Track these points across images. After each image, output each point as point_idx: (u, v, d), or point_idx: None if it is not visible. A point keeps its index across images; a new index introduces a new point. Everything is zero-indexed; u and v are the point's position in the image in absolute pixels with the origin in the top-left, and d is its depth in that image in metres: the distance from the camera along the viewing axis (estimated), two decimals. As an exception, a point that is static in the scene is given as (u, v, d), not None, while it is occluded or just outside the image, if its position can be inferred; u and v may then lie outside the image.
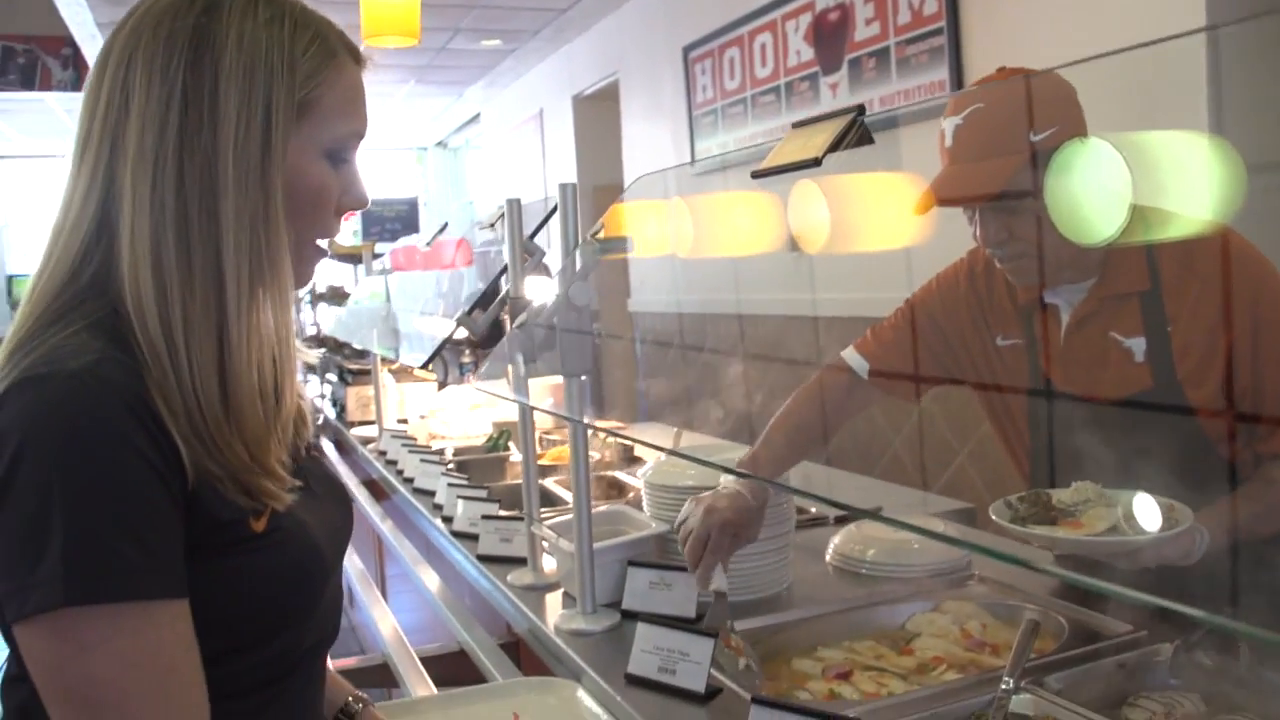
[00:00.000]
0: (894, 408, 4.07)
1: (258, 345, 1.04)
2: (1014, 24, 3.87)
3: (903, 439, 4.39)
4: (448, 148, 12.56)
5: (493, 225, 2.61)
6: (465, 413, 3.98)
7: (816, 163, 1.18)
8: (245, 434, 1.02)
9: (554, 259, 1.95)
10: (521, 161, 8.96)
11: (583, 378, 1.69)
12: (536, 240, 2.15)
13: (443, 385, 4.32)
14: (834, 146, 1.18)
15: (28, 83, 7.40)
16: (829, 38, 4.92)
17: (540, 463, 3.03)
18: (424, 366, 2.69)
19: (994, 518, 1.51)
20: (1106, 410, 1.74)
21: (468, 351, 4.31)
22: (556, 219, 1.81)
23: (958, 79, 4.18)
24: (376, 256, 4.64)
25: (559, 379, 1.76)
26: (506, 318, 2.11)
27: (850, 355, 2.00)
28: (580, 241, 1.76)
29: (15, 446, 0.92)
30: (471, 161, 12.04)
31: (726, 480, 1.85)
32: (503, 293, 2.19)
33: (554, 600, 2.05)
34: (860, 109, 1.21)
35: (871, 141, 1.22)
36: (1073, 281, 1.74)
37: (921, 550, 2.04)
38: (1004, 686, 1.45)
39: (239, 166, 1.02)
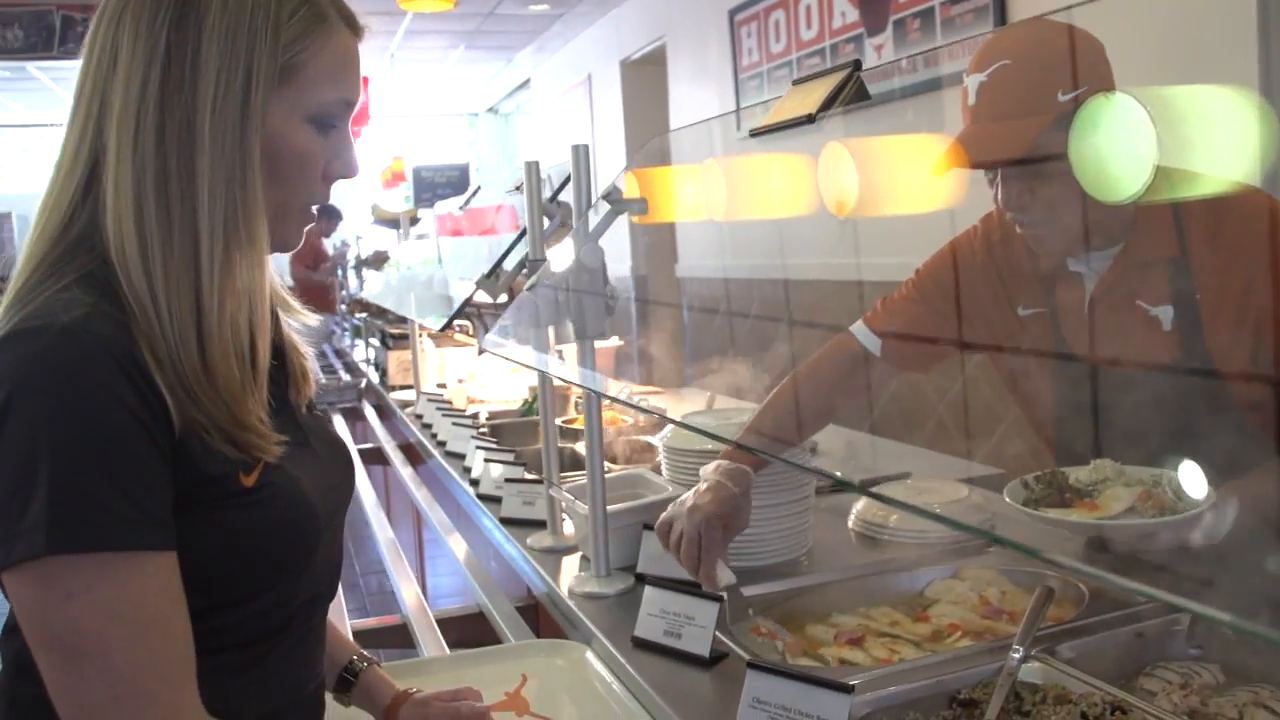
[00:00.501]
0: (939, 372, 4.02)
1: (233, 304, 1.04)
2: (1061, -20, 3.77)
3: (947, 404, 4.34)
4: (499, 113, 12.57)
5: (518, 188, 2.60)
6: (504, 377, 3.99)
7: (810, 119, 1.16)
8: (221, 391, 1.03)
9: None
10: (570, 126, 8.93)
11: (614, 340, 1.66)
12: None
13: (483, 350, 4.34)
14: (828, 103, 1.15)
15: (84, 51, 7.47)
16: (874, -2, 4.84)
17: (573, 426, 3.02)
18: (443, 329, 2.69)
19: (1007, 499, 1.46)
20: (1133, 380, 1.69)
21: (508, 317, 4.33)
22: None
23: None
24: (414, 222, 4.65)
25: (604, 343, 1.73)
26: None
27: (860, 330, 1.93)
28: (592, 203, 1.74)
29: (4, 398, 0.93)
30: (523, 127, 12.04)
31: (705, 471, 1.79)
32: (520, 255, 2.18)
33: (571, 563, 2.05)
34: (856, 64, 1.18)
35: (868, 97, 1.18)
36: (1098, 249, 1.68)
37: (943, 515, 2.01)
38: (1014, 654, 1.42)
39: (216, 126, 1.02)
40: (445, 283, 3.99)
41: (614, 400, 2.63)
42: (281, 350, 1.24)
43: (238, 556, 1.07)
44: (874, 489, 2.15)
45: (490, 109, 12.57)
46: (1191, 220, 1.61)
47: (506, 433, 3.18)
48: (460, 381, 4.03)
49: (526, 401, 3.55)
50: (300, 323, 1.28)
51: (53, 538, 0.91)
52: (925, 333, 1.91)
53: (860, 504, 2.16)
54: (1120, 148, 1.26)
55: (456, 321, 4.23)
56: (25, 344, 0.95)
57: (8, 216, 11.36)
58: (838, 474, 2.48)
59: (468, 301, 2.59)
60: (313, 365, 1.32)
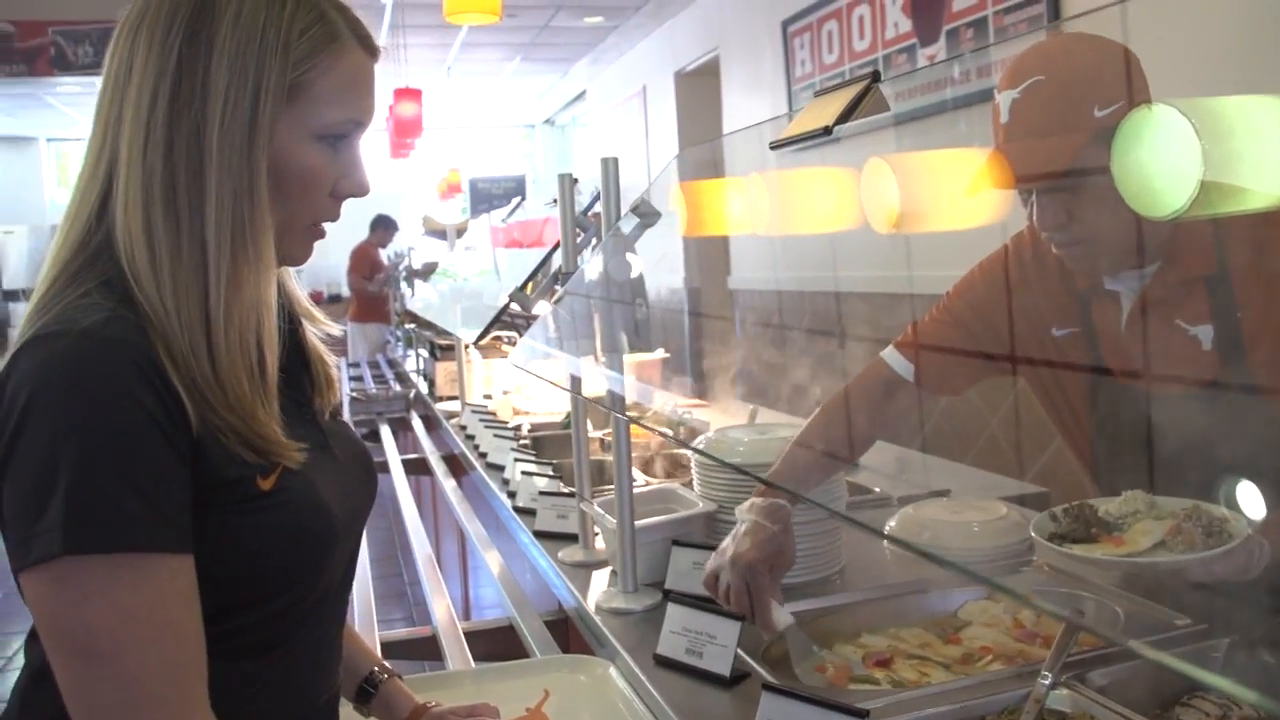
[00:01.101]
0: (990, 388, 3.95)
1: (240, 317, 1.04)
2: (1117, -11, 3.70)
3: (1001, 420, 4.27)
4: (555, 125, 12.63)
5: (554, 202, 2.60)
6: (549, 389, 3.98)
7: (827, 132, 1.13)
8: (232, 400, 1.03)
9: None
10: (625, 138, 8.95)
11: (659, 353, 1.64)
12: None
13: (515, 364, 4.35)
14: (845, 116, 1.13)
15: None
16: (927, 8, 4.79)
17: (610, 438, 3.00)
18: (477, 342, 2.69)
19: (1034, 535, 1.42)
20: (1173, 402, 1.64)
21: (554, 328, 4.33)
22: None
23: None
24: (460, 234, 4.67)
25: (649, 356, 1.72)
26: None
27: (891, 355, 1.89)
28: (622, 215, 1.73)
29: (25, 400, 0.95)
30: (579, 138, 12.09)
31: (741, 511, 1.75)
32: (554, 268, 2.18)
33: (602, 578, 2.04)
34: (875, 75, 1.15)
35: (887, 109, 1.16)
36: (1136, 267, 1.63)
37: (980, 534, 1.96)
38: (1042, 681, 1.39)
39: (224, 142, 1.03)
40: (497, 294, 4.01)
41: (633, 421, 2.61)
42: (306, 357, 1.25)
43: (252, 560, 1.07)
44: (910, 506, 2.12)
45: (546, 120, 12.63)
46: (1233, 236, 1.56)
47: (548, 445, 3.18)
48: (505, 393, 4.04)
49: (569, 414, 3.54)
50: (324, 332, 1.29)
51: (69, 539, 0.92)
52: (957, 356, 1.87)
53: (894, 520, 2.12)
54: (1164, 162, 1.22)
55: (504, 333, 4.25)
56: (46, 348, 0.97)
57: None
58: (876, 489, 2.44)
59: (502, 312, 2.59)
60: (335, 371, 1.32)
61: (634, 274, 1.67)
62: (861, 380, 1.93)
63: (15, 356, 0.98)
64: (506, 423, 3.53)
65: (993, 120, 1.61)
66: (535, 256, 3.77)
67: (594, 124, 10.05)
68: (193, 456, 1.00)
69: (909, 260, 4.68)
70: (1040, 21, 4.11)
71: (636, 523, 1.82)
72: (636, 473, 2.69)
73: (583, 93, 10.35)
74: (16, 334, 1.02)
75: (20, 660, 1.13)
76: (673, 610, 1.57)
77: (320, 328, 1.30)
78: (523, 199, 3.65)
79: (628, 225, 1.71)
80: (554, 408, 3.87)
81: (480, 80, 9.71)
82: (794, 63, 5.95)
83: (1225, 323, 1.56)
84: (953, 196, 1.80)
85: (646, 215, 1.71)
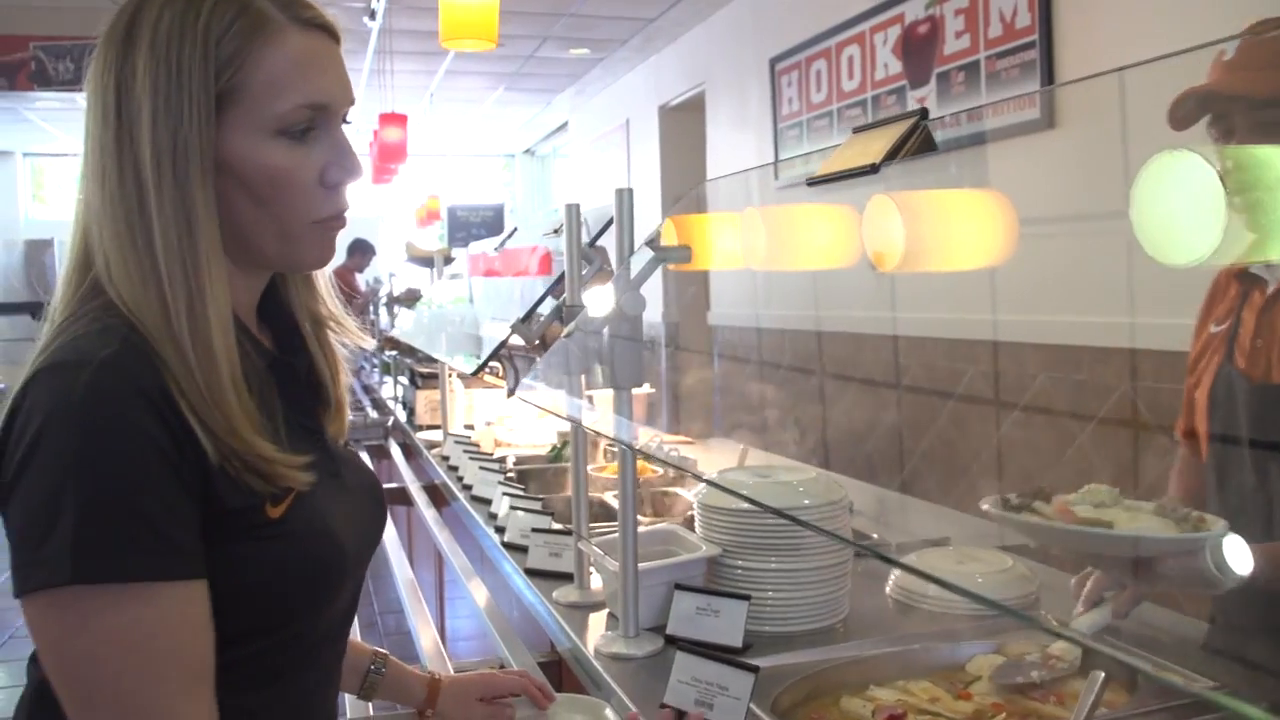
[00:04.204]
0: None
1: (204, 335, 1.01)
2: (1110, 37, 3.71)
3: (982, 464, 4.25)
4: (535, 155, 12.62)
5: (556, 232, 2.56)
6: (533, 421, 3.93)
7: (874, 169, 1.10)
8: (226, 420, 1.01)
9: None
10: (607, 170, 8.93)
11: (645, 388, 1.60)
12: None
13: (511, 393, 4.28)
14: (893, 154, 1.09)
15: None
16: (918, 50, 4.80)
17: (602, 474, 2.96)
18: (475, 374, 2.63)
19: (983, 506, 1.39)
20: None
21: (538, 359, 4.27)
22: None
23: (1049, 94, 4.03)
24: (449, 261, 4.62)
25: (637, 391, 1.67)
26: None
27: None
28: (635, 249, 1.68)
29: (37, 428, 0.94)
30: (558, 169, 12.08)
31: None
32: (558, 300, 2.13)
33: (598, 620, 1.98)
34: (923, 113, 1.12)
35: (935, 148, 1.12)
36: None
37: (985, 585, 1.93)
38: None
39: (159, 179, 1.01)
40: (476, 322, 3.95)
41: (655, 460, 2.55)
42: (320, 380, 1.23)
43: (260, 589, 1.04)
44: (914, 555, 2.08)
45: (527, 150, 12.62)
46: None
47: (533, 479, 3.12)
48: (488, 424, 3.98)
49: (555, 447, 3.49)
50: (352, 343, 1.28)
51: (77, 568, 0.91)
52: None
53: (898, 570, 2.08)
54: (1187, 208, 1.20)
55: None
56: (60, 378, 0.96)
57: (49, 243, 11.45)
58: (874, 535, 2.40)
59: (502, 345, 2.54)
60: (348, 398, 1.30)
61: (644, 309, 1.62)
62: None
63: (29, 384, 0.98)
64: (491, 454, 3.47)
65: (1213, 61, 1.52)
66: (518, 285, 3.72)
67: (575, 155, 10.04)
68: (202, 485, 0.99)
69: (894, 302, 4.67)
70: (1032, 68, 4.12)
71: (640, 565, 1.76)
72: (627, 510, 2.63)
73: (564, 124, 10.35)
74: (32, 357, 1.02)
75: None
76: (682, 659, 1.51)
77: (350, 338, 1.27)
78: (515, 229, 3.59)
79: (641, 259, 1.66)
80: (537, 440, 3.82)
81: (462, 108, 9.68)
82: (781, 100, 5.95)
83: None
84: (958, 237, 1.78)
85: (661, 250, 1.67)
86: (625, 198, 1.72)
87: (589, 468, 3.15)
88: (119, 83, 1.02)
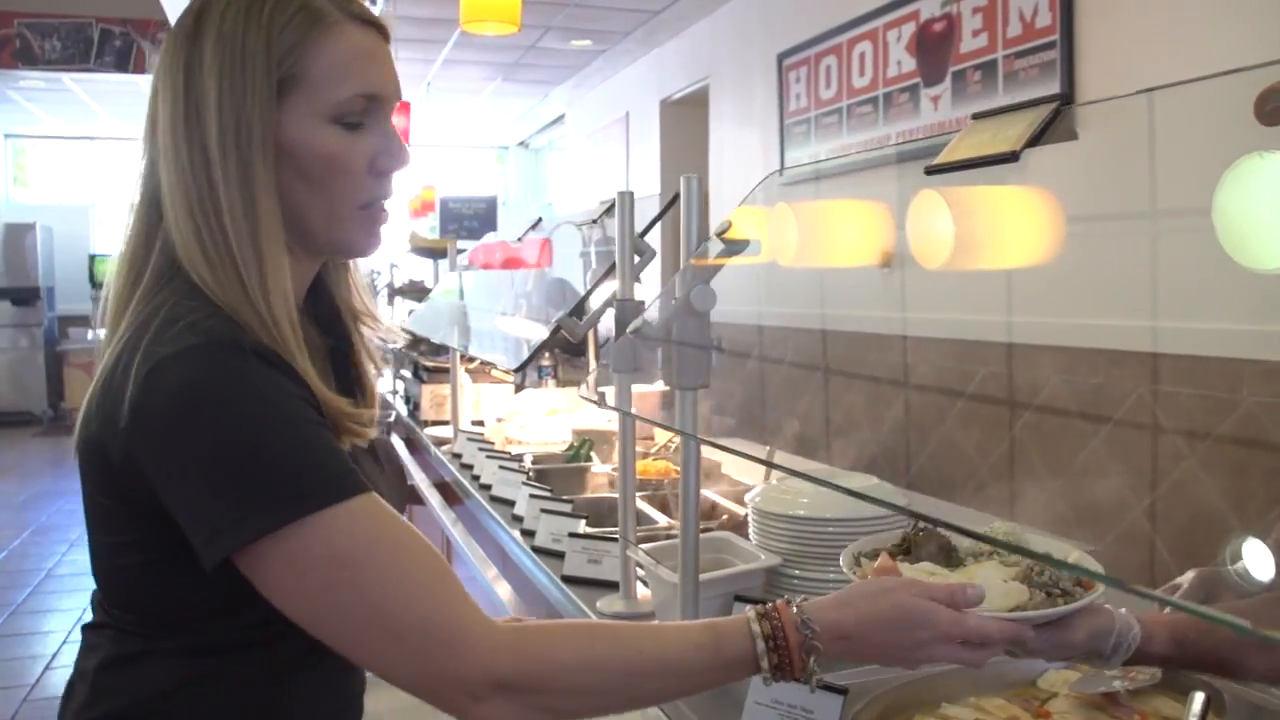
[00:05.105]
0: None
1: (276, 309, 1.08)
2: (1132, 37, 3.65)
3: (991, 468, 4.18)
4: (529, 148, 12.52)
5: (595, 221, 2.47)
6: (542, 418, 3.83)
7: (1014, 156, 1.02)
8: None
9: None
10: (604, 165, 8.85)
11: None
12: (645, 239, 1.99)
13: (520, 388, 4.19)
14: (1034, 140, 1.01)
15: (122, 65, 7.45)
16: (933, 48, 4.74)
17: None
18: (518, 370, 2.55)
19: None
20: None
21: (547, 355, 4.17)
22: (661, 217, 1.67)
23: (1069, 95, 3.97)
24: (460, 252, 4.52)
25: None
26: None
27: None
28: (704, 241, 1.60)
29: (190, 406, 1.00)
30: (553, 163, 11.98)
31: None
32: (609, 295, 2.04)
33: (647, 630, 1.89)
34: (1062, 98, 1.04)
35: (1075, 137, 1.05)
36: None
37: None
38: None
39: (224, 155, 1.07)
40: (468, 314, 3.87)
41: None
42: (361, 369, 1.29)
43: None
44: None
45: (521, 143, 12.52)
46: None
47: (553, 478, 3.02)
48: (499, 420, 3.87)
49: (573, 446, 3.38)
50: (383, 338, 1.35)
51: (303, 500, 0.98)
52: None
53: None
54: (1270, 214, 1.15)
55: (485, 356, 4.10)
56: (194, 358, 1.01)
57: (31, 227, 11.24)
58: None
59: (552, 335, 2.45)
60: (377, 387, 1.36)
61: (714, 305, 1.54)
62: None
63: (150, 375, 1.00)
64: (507, 452, 3.37)
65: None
66: (525, 279, 3.64)
67: (570, 149, 9.94)
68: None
69: (904, 301, 4.61)
70: (1052, 68, 4.05)
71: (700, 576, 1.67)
72: (658, 514, 2.55)
73: (561, 116, 10.26)
74: (107, 344, 1.09)
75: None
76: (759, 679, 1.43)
77: (379, 331, 1.33)
78: (539, 219, 3.51)
79: (711, 251, 1.58)
80: (549, 437, 3.72)
81: (458, 98, 9.57)
82: (788, 96, 5.88)
83: None
84: (1012, 233, 1.71)
85: (732, 243, 1.58)
86: (694, 184, 1.64)
87: (606, 467, 3.07)
88: (187, 67, 1.09)
